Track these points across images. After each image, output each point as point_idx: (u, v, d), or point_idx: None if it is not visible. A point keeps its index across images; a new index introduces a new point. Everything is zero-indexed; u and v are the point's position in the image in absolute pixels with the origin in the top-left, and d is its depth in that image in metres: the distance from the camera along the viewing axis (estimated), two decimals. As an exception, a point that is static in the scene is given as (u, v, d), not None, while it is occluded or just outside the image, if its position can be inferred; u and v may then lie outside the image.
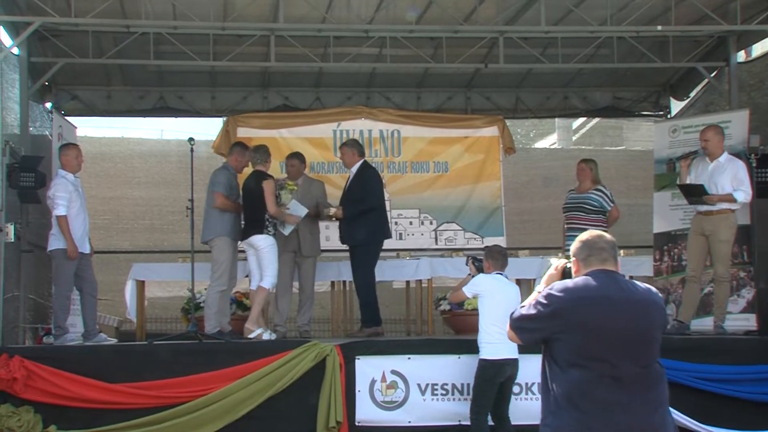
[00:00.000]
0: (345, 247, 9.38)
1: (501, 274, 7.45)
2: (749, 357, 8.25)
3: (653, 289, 4.09)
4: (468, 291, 7.53)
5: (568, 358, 3.93)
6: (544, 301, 3.98)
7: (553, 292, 3.99)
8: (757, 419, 7.94)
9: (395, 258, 10.87)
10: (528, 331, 4.07)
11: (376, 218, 9.25)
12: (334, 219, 9.41)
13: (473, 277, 7.62)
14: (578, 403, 3.89)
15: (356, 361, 7.90)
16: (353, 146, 9.47)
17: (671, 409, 7.81)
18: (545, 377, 4.06)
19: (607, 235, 4.16)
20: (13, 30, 9.77)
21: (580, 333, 3.90)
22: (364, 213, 9.15)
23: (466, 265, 8.03)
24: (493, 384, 7.25)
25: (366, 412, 7.86)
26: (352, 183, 9.34)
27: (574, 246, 4.15)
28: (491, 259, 7.52)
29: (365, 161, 9.47)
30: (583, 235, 4.16)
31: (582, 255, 4.09)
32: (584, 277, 4.02)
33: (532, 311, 4.03)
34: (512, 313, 4.18)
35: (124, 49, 10.45)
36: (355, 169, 9.33)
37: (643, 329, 3.93)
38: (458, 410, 7.71)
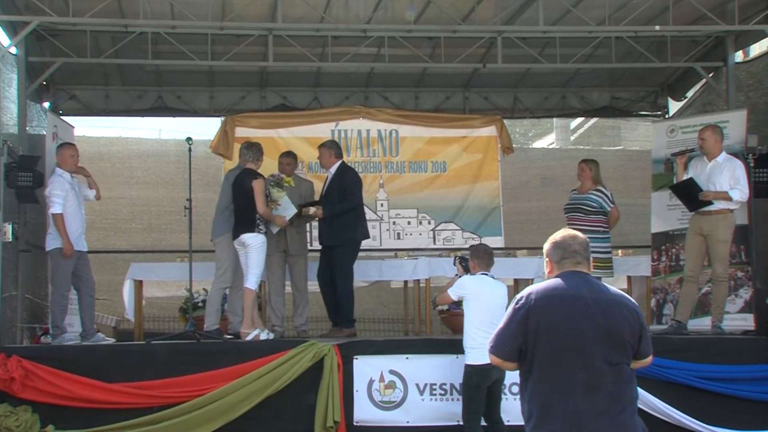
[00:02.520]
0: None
1: (487, 274, 7.32)
2: (747, 357, 8.27)
3: (627, 295, 4.17)
4: (453, 293, 7.43)
5: (541, 358, 3.99)
6: (517, 305, 4.05)
7: (524, 294, 4.07)
8: (755, 418, 7.96)
9: (393, 258, 10.87)
10: (507, 341, 4.08)
11: (355, 219, 9.27)
12: (314, 218, 9.41)
13: (460, 277, 7.56)
14: (552, 400, 3.95)
15: (354, 361, 7.91)
16: (331, 147, 9.51)
17: (670, 407, 7.88)
18: (522, 386, 4.12)
19: (580, 236, 4.20)
20: (11, 29, 9.76)
21: (553, 331, 3.97)
22: (345, 213, 9.17)
23: (454, 265, 7.99)
24: (480, 389, 7.16)
25: (364, 412, 7.86)
26: (331, 184, 9.38)
27: (547, 246, 4.20)
28: (477, 259, 7.38)
29: (343, 162, 9.53)
30: (556, 236, 4.20)
31: (556, 257, 4.15)
32: (555, 278, 4.10)
33: (506, 320, 4.09)
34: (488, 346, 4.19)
35: (122, 49, 10.44)
36: (333, 169, 9.39)
37: (614, 328, 3.99)
38: (457, 410, 7.69)
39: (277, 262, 9.39)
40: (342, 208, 9.18)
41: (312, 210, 9.25)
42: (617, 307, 4.05)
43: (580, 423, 3.91)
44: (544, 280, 4.19)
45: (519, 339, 4.03)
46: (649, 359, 4.18)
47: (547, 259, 4.19)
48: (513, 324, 4.04)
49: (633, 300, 4.18)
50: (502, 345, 4.09)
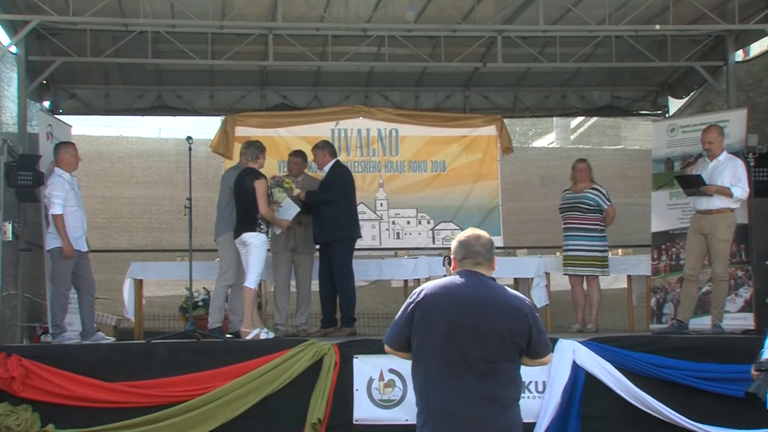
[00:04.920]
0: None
1: None
2: (747, 356, 8.22)
3: (522, 297, 4.34)
4: None
5: (422, 351, 4.20)
6: (410, 300, 4.29)
7: (418, 289, 4.31)
8: (754, 418, 7.94)
9: (393, 257, 10.88)
10: (396, 331, 4.31)
11: (344, 215, 9.30)
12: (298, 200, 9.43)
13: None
14: (427, 393, 4.16)
15: (354, 360, 7.92)
16: (324, 147, 9.60)
17: (669, 408, 7.86)
18: (412, 376, 4.31)
19: (485, 236, 4.37)
20: (11, 28, 9.76)
21: (433, 326, 4.16)
22: (327, 203, 9.19)
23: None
24: None
25: (364, 410, 7.88)
26: (323, 181, 9.49)
27: (453, 244, 4.41)
28: None
29: (337, 161, 9.59)
30: (462, 235, 4.39)
31: (459, 255, 4.35)
32: (452, 276, 4.33)
33: (399, 313, 4.32)
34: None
35: (122, 48, 10.44)
36: (326, 168, 9.47)
37: (495, 328, 4.15)
38: (456, 409, 7.72)
39: (284, 260, 9.46)
40: (320, 197, 9.26)
41: (296, 191, 9.22)
42: (505, 308, 4.21)
43: (455, 417, 4.08)
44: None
45: (406, 332, 4.26)
46: (546, 359, 4.38)
47: (453, 256, 4.39)
48: (403, 317, 4.28)
49: (527, 303, 4.31)
50: (392, 335, 4.35)
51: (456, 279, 4.28)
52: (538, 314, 4.38)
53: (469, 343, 4.11)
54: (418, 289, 4.33)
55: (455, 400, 4.08)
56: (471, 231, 4.39)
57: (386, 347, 4.40)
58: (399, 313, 4.34)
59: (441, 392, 4.11)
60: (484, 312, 4.15)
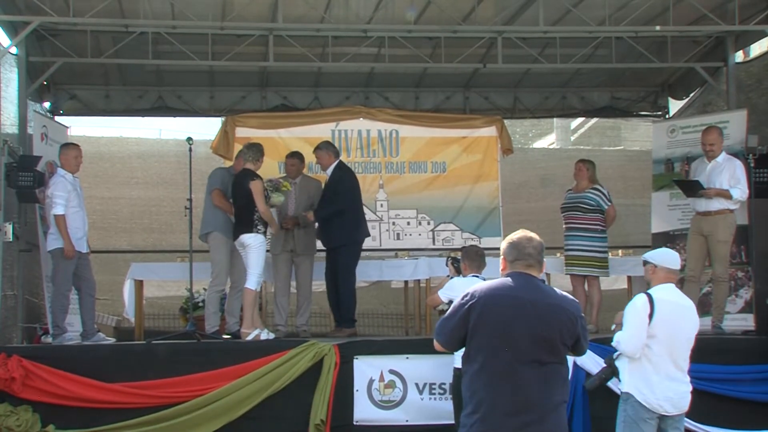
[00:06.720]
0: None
1: (478, 276, 7.24)
2: (747, 357, 8.27)
3: (571, 299, 4.35)
4: (443, 295, 7.39)
5: (477, 353, 4.21)
6: (462, 300, 4.29)
7: (470, 291, 4.30)
8: (755, 419, 7.96)
9: (394, 258, 10.88)
10: (450, 331, 4.32)
11: (351, 219, 9.29)
12: (308, 222, 9.40)
13: (451, 278, 7.54)
14: (480, 393, 4.17)
15: (354, 360, 7.92)
16: (327, 148, 9.57)
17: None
18: (464, 373, 4.32)
19: (536, 239, 4.37)
20: (12, 29, 9.77)
21: (488, 329, 4.17)
22: (337, 214, 9.19)
23: (446, 266, 7.97)
24: None
25: (364, 411, 7.89)
26: (327, 184, 9.47)
27: (504, 245, 4.40)
28: (467, 261, 7.36)
29: (340, 161, 9.60)
30: (514, 236, 4.39)
31: (510, 257, 4.35)
32: (504, 278, 4.32)
33: (451, 312, 4.33)
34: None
35: (122, 49, 10.44)
36: (330, 170, 9.44)
37: (547, 331, 4.18)
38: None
39: (283, 262, 9.44)
40: (329, 210, 9.23)
41: (304, 214, 9.27)
42: (556, 310, 4.23)
43: (507, 417, 4.09)
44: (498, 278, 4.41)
45: (461, 332, 4.27)
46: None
47: (502, 257, 4.39)
48: (456, 317, 4.28)
49: (577, 305, 4.34)
50: (444, 334, 4.36)
51: (508, 281, 4.27)
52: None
53: (523, 344, 4.13)
54: (470, 290, 4.30)
55: (508, 401, 4.11)
56: (522, 233, 4.38)
57: (436, 345, 4.42)
58: (450, 312, 4.33)
59: (494, 393, 4.13)
60: (538, 314, 4.17)
